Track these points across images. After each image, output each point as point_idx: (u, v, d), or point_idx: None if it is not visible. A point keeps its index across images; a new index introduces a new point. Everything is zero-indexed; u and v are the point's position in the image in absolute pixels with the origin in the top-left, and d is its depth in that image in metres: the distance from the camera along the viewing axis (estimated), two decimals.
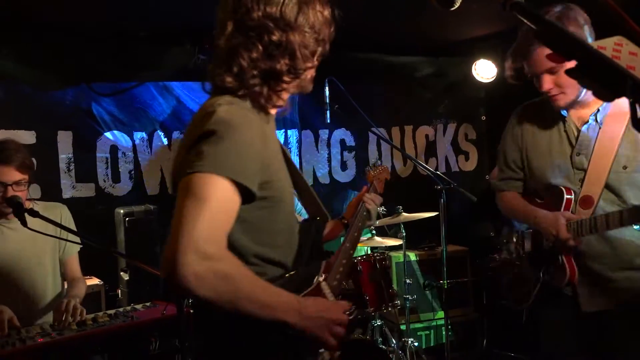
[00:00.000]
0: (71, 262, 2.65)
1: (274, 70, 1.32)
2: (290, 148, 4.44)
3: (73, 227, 2.64)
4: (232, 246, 1.25)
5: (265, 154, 1.29)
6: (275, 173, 1.35)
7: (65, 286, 2.66)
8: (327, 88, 3.12)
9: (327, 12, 1.40)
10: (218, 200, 1.17)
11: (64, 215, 2.63)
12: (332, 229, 1.92)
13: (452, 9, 1.12)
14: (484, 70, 4.56)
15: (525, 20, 0.88)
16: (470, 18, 3.95)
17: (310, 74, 1.43)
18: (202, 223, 1.12)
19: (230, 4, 1.34)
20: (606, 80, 0.75)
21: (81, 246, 2.68)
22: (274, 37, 1.30)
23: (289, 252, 1.42)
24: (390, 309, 3.13)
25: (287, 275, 1.38)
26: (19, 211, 2.20)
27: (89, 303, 3.30)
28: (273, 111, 1.45)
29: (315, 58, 1.39)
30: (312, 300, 1.33)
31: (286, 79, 1.35)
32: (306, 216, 1.85)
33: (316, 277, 1.45)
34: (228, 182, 1.18)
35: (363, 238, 3.63)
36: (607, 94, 0.78)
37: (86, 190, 3.78)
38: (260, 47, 1.30)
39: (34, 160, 2.57)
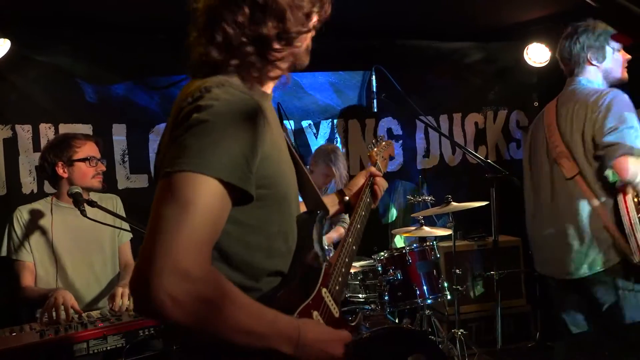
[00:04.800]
0: (124, 249, 2.76)
1: (262, 35, 1.12)
2: (336, 138, 4.43)
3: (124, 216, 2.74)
4: (223, 255, 1.11)
5: (266, 144, 1.09)
6: (277, 165, 1.16)
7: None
8: (373, 76, 3.08)
9: None
10: (204, 206, 0.96)
11: (118, 205, 2.76)
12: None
13: None
14: (537, 55, 4.42)
15: None
16: (522, 1, 3.83)
17: (305, 42, 1.24)
18: (184, 235, 0.92)
19: None
20: None
21: (132, 236, 2.78)
22: None
23: (288, 256, 1.23)
24: (439, 299, 3.09)
25: (284, 287, 1.20)
26: (78, 202, 2.30)
27: None
28: (269, 89, 1.25)
29: (310, 22, 1.20)
30: (313, 328, 1.13)
31: (276, 45, 1.15)
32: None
33: (317, 285, 1.26)
34: (217, 183, 0.98)
35: (411, 228, 3.60)
36: None
37: (140, 182, 3.90)
38: (246, 9, 1.11)
39: None
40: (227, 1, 1.12)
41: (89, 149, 2.56)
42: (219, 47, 1.12)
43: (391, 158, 2.10)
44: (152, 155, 3.94)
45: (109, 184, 3.75)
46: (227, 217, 1.03)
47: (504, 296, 3.90)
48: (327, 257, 1.37)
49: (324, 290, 1.28)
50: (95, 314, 2.24)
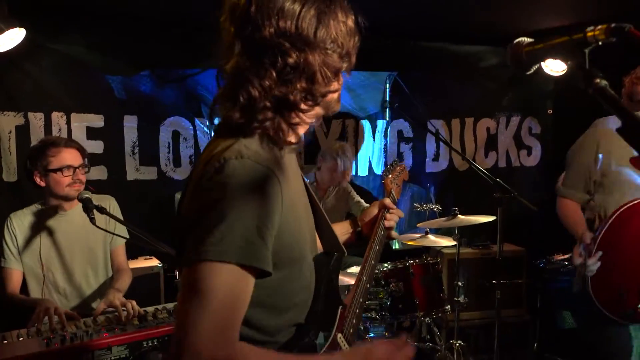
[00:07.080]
0: (118, 252, 2.71)
1: (288, 98, 1.10)
2: (346, 138, 4.41)
3: (121, 217, 2.62)
4: (245, 320, 1.12)
5: (283, 211, 1.09)
6: (296, 230, 1.16)
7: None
8: (387, 85, 3.05)
9: (350, 22, 1.16)
10: (224, 293, 0.99)
11: (113, 207, 2.66)
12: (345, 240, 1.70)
13: (528, 72, 1.09)
14: (554, 64, 4.34)
15: (609, 109, 0.83)
16: (542, 9, 3.76)
17: (335, 96, 1.21)
18: (204, 326, 0.96)
19: (237, 18, 1.10)
20: None
21: (126, 238, 2.65)
22: (291, 60, 1.08)
23: (305, 306, 1.25)
24: (440, 314, 3.12)
25: (302, 338, 1.23)
26: (88, 208, 2.31)
27: (148, 284, 3.45)
28: (295, 138, 1.22)
29: (339, 79, 1.17)
30: (363, 354, 1.18)
31: (303, 107, 1.13)
32: None
33: (332, 332, 1.30)
34: (237, 267, 1.01)
35: (415, 235, 3.61)
36: None
37: (149, 174, 3.92)
38: (273, 73, 1.08)
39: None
40: (256, 64, 1.08)
41: (65, 158, 2.47)
42: (241, 109, 1.09)
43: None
44: (163, 148, 3.95)
45: (118, 175, 3.80)
46: (250, 293, 1.06)
47: (506, 305, 3.93)
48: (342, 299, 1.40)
49: (339, 335, 1.32)
50: (102, 320, 2.26)
